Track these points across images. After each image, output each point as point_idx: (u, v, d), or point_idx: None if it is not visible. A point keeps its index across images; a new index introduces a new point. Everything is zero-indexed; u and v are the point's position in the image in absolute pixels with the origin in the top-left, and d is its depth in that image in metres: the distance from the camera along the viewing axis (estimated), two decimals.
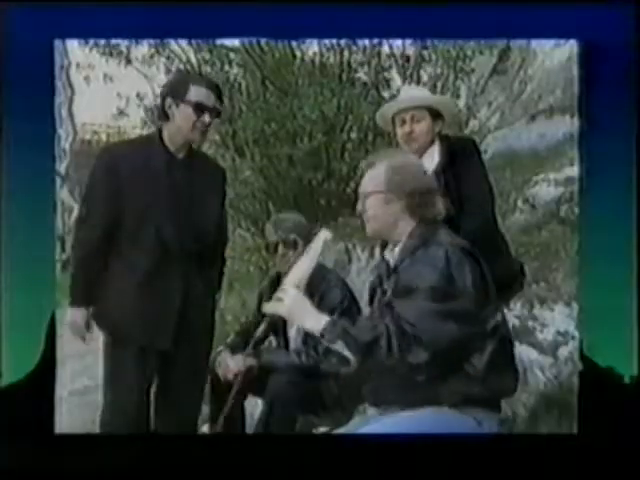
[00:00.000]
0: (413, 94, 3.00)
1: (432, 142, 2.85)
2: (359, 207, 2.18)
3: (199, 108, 2.64)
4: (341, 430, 2.24)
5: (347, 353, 1.97)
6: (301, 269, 2.16)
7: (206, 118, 2.66)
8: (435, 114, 2.89)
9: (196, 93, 2.64)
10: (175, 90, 2.68)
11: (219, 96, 2.74)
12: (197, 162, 2.76)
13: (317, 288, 2.97)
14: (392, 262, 2.13)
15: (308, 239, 3.02)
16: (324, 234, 2.20)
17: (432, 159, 2.78)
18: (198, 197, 2.71)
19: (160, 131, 2.72)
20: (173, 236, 2.64)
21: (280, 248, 2.99)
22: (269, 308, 2.11)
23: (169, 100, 2.66)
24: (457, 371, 1.99)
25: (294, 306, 2.05)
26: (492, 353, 2.00)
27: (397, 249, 2.13)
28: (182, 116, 2.65)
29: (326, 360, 2.87)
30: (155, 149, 2.69)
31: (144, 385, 2.69)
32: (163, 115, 2.69)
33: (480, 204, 2.78)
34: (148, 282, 2.63)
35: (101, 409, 2.73)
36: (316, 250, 2.18)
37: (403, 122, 2.85)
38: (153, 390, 2.76)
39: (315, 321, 2.01)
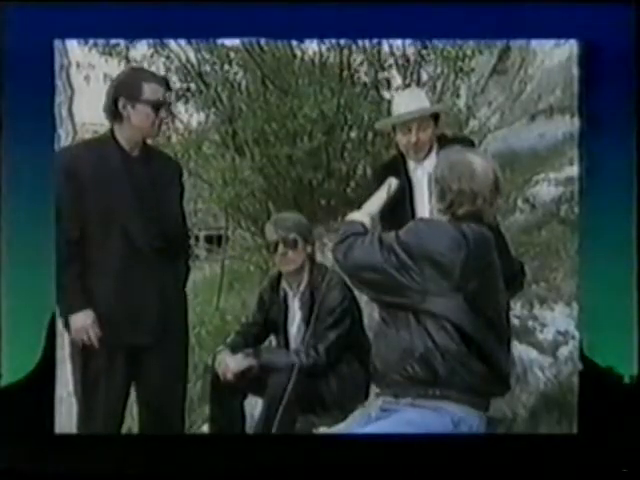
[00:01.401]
0: (415, 105, 2.88)
1: (432, 145, 2.86)
2: None
3: (156, 106, 2.64)
4: (343, 425, 2.26)
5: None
6: (370, 207, 2.42)
7: (162, 114, 2.68)
8: (435, 117, 2.89)
9: (150, 91, 2.63)
10: (128, 90, 2.64)
11: (168, 87, 2.78)
12: (153, 158, 2.77)
13: (317, 288, 2.97)
14: None
15: (308, 238, 3.03)
16: (392, 181, 2.48)
17: (432, 161, 2.77)
18: (159, 192, 2.70)
19: (112, 131, 2.68)
20: (140, 234, 2.63)
21: (280, 247, 2.98)
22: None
23: (122, 100, 2.63)
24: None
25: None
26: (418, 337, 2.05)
27: None
28: (139, 116, 2.63)
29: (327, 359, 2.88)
30: (110, 149, 2.66)
31: (123, 386, 2.68)
32: (116, 115, 2.65)
33: None
34: (121, 282, 2.61)
35: (78, 413, 2.68)
36: (385, 193, 2.44)
37: (408, 131, 2.84)
38: (133, 391, 2.75)
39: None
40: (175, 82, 6.17)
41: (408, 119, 2.83)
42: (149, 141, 2.80)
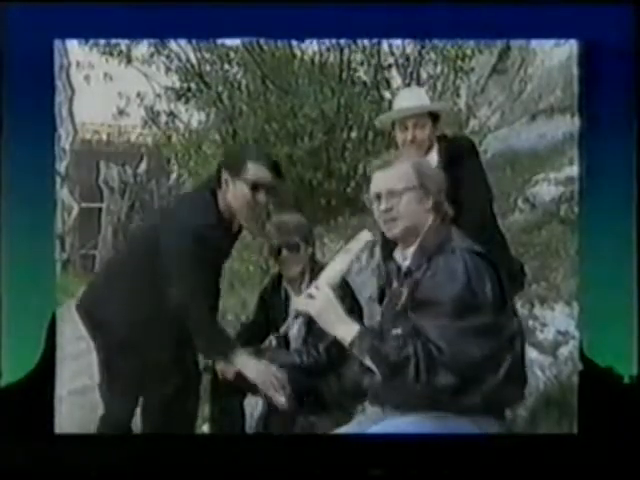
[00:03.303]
0: (414, 101, 2.92)
1: (431, 145, 2.86)
2: (382, 206, 2.05)
3: (255, 187, 2.59)
4: (343, 429, 2.25)
5: (374, 368, 1.92)
6: (336, 268, 2.08)
7: (261, 197, 2.61)
8: (435, 117, 2.89)
9: (253, 171, 2.59)
10: (231, 165, 2.62)
11: (277, 171, 2.68)
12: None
13: None
14: (404, 264, 2.07)
15: (309, 240, 3.03)
16: (365, 235, 2.12)
17: (431, 161, 2.77)
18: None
19: (215, 195, 2.64)
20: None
21: (283, 252, 2.98)
22: (300, 304, 2.02)
23: (225, 173, 2.61)
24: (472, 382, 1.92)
25: (325, 309, 1.96)
26: (509, 363, 1.94)
27: (410, 250, 2.06)
28: (237, 193, 2.60)
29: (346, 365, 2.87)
30: (211, 215, 2.61)
31: (139, 388, 2.69)
32: (218, 183, 2.63)
33: (479, 203, 2.78)
34: (140, 282, 2.62)
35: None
36: (355, 250, 2.10)
37: (405, 128, 2.84)
38: (147, 394, 2.76)
39: (345, 330, 1.94)
40: (175, 82, 6.19)
41: (407, 114, 2.84)
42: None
